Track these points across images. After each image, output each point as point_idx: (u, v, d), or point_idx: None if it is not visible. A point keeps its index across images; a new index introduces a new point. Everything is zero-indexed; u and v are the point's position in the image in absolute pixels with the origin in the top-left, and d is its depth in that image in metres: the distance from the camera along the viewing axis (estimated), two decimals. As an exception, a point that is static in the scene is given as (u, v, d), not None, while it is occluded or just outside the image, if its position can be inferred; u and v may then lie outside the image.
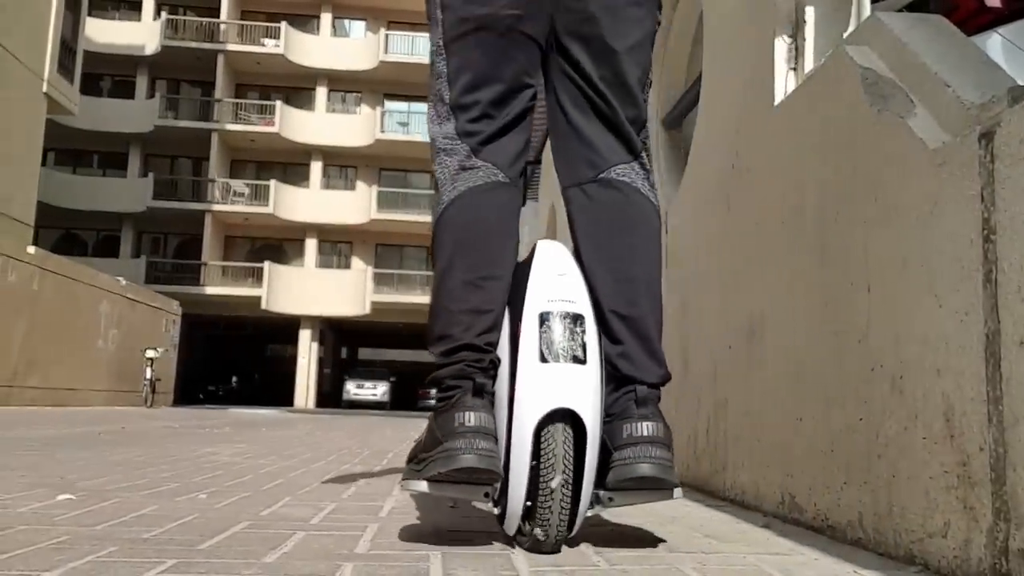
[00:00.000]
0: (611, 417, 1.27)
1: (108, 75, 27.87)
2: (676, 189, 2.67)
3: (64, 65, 15.29)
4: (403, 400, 28.41)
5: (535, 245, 1.36)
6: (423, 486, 1.22)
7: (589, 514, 1.26)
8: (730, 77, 2.14)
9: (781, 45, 1.82)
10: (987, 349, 1.02)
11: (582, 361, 1.23)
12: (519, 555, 1.20)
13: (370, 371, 28.45)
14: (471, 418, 1.20)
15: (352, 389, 26.61)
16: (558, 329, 1.24)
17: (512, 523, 1.25)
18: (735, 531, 1.48)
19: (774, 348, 1.71)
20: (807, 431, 1.53)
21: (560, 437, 1.19)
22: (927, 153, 1.17)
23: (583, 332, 1.24)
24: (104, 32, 26.30)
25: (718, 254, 2.11)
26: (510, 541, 1.27)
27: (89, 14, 18.85)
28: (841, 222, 1.44)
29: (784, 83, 1.80)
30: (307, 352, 27.71)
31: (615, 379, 1.29)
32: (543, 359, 1.22)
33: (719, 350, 2.05)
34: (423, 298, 27.05)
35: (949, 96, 1.17)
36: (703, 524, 1.56)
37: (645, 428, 1.24)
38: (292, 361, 28.49)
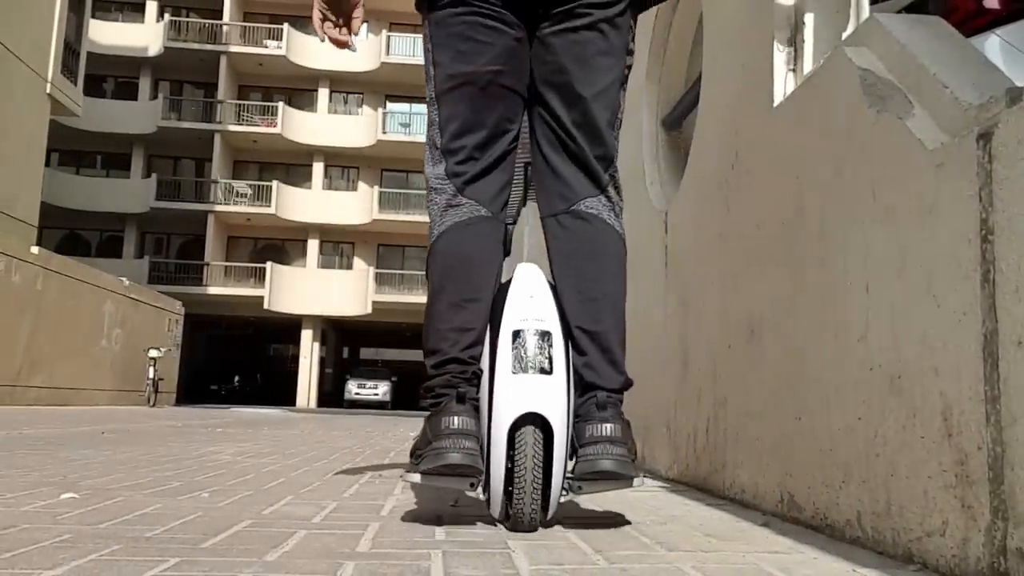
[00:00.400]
0: (578, 418, 1.45)
1: (111, 76, 27.93)
2: (676, 189, 2.68)
3: (68, 66, 15.33)
4: (404, 400, 28.41)
5: (516, 269, 1.56)
6: (417, 478, 1.44)
7: (563, 500, 1.47)
8: (730, 78, 2.14)
9: (780, 46, 1.82)
10: (985, 349, 1.02)
11: (548, 372, 1.42)
12: (519, 554, 1.21)
13: (372, 371, 28.47)
14: (455, 421, 1.40)
15: (354, 389, 26.63)
16: (530, 344, 1.44)
17: (495, 508, 1.46)
18: (734, 530, 1.49)
19: (774, 348, 1.72)
20: (806, 430, 1.53)
21: (530, 439, 1.39)
22: (925, 154, 1.18)
23: (550, 346, 1.44)
24: (107, 34, 26.36)
25: (718, 254, 2.11)
26: (494, 522, 1.47)
27: (92, 16, 18.88)
28: (840, 222, 1.44)
29: (783, 84, 1.80)
30: (309, 352, 27.74)
31: (581, 386, 1.47)
32: (515, 371, 1.42)
33: (719, 350, 2.05)
34: (424, 298, 26.91)
35: (947, 97, 1.17)
36: (702, 523, 1.56)
37: (605, 429, 1.42)
38: (294, 361, 28.53)
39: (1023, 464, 0.95)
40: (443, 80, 1.55)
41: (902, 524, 1.19)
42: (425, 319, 1.53)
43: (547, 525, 1.44)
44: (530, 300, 1.49)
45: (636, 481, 1.43)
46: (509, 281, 1.54)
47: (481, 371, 1.48)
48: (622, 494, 1.89)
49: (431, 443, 1.41)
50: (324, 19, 1.63)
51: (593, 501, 1.87)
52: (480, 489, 1.44)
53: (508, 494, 1.41)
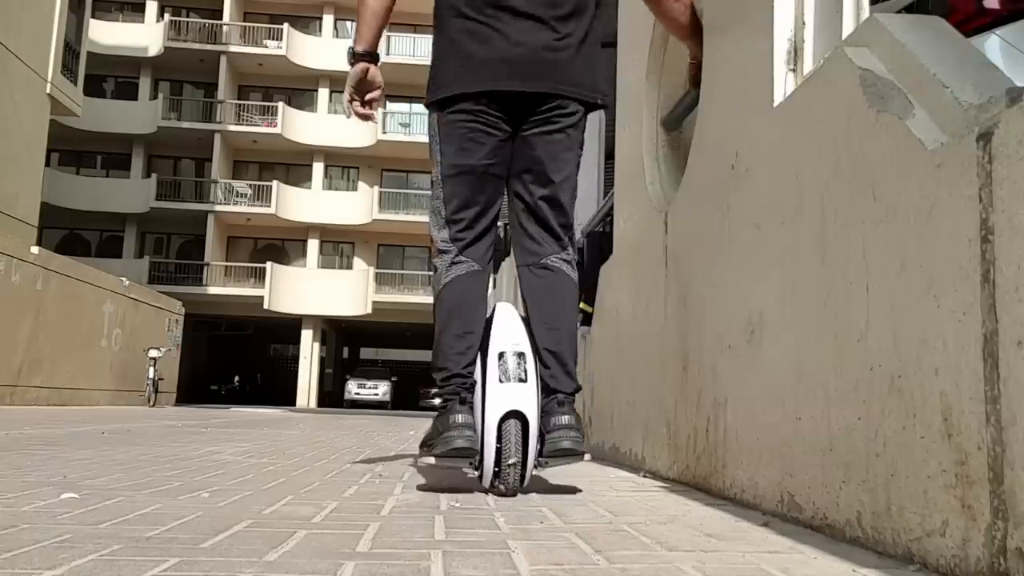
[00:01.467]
0: (544, 413, 1.98)
1: (111, 76, 27.94)
2: (676, 189, 2.68)
3: (68, 66, 15.33)
4: (404, 400, 28.41)
5: (496, 306, 2.09)
6: (432, 460, 1.96)
7: (535, 472, 2.02)
8: (730, 77, 2.14)
9: (780, 46, 1.82)
10: (985, 349, 1.02)
11: (524, 381, 1.97)
12: (519, 554, 1.21)
13: (372, 371, 28.49)
14: (459, 418, 1.93)
15: (354, 389, 26.64)
16: (511, 362, 1.98)
17: (486, 480, 1.95)
18: (734, 530, 1.49)
19: (774, 348, 1.72)
20: (806, 430, 1.53)
21: (513, 428, 1.92)
22: (925, 154, 1.18)
23: (525, 363, 1.98)
24: (107, 34, 26.36)
25: (718, 254, 2.11)
26: (485, 490, 1.96)
27: (92, 16, 18.88)
28: (840, 222, 1.44)
29: (783, 84, 1.80)
30: (309, 352, 27.74)
31: (546, 390, 2.00)
32: (501, 381, 1.96)
33: (719, 350, 2.05)
34: (424, 298, 27.05)
35: (947, 97, 1.17)
36: (702, 523, 1.56)
37: (563, 419, 1.96)
38: (294, 361, 28.54)
39: (1023, 464, 0.95)
40: (447, 168, 2.04)
41: (902, 524, 1.19)
42: (435, 345, 2.04)
43: (524, 492, 1.95)
44: (511, 330, 2.04)
45: (587, 456, 2.03)
46: (493, 313, 2.08)
47: (475, 381, 1.99)
48: (623, 495, 2.00)
49: (442, 434, 1.92)
50: (352, 99, 2.17)
51: (594, 502, 1.88)
52: (474, 468, 1.97)
53: (496, 470, 1.92)
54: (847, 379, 1.38)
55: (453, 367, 1.98)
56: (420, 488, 2.00)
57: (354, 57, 2.14)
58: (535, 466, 1.97)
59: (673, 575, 1.10)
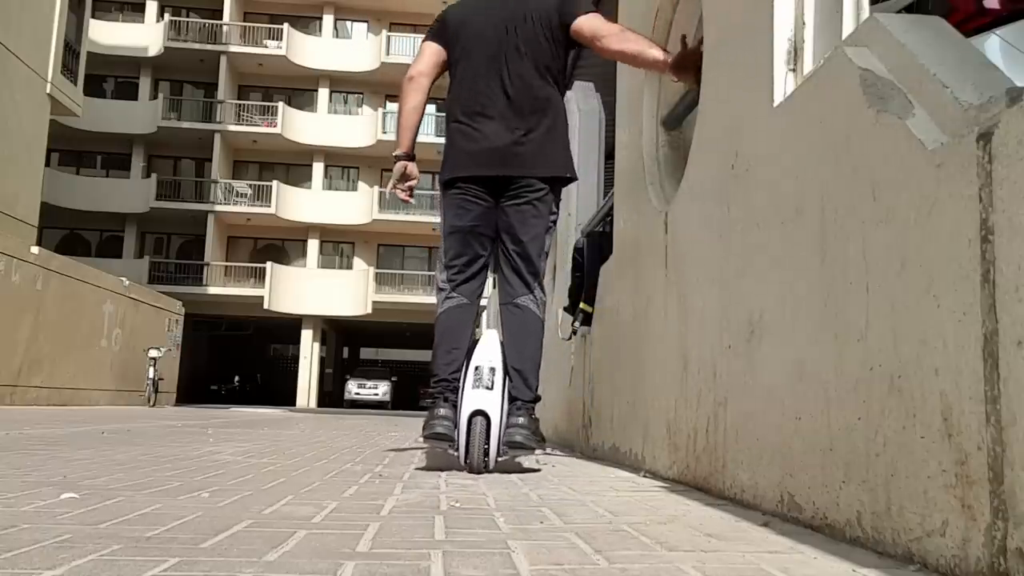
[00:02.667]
0: (508, 416, 2.57)
1: (111, 76, 27.93)
2: (676, 189, 2.68)
3: (68, 66, 15.33)
4: (404, 400, 28.41)
5: (484, 332, 2.78)
6: (422, 441, 2.65)
7: (500, 459, 2.55)
8: (730, 77, 2.14)
9: (780, 46, 1.82)
10: (985, 349, 1.02)
11: (491, 389, 2.57)
12: (519, 554, 1.21)
13: (372, 371, 28.50)
14: (441, 411, 2.58)
15: (354, 389, 26.65)
16: (484, 373, 2.58)
17: (462, 459, 2.52)
18: (734, 530, 1.49)
19: (774, 348, 1.72)
20: (806, 430, 1.53)
21: (478, 424, 2.50)
22: (925, 154, 1.18)
23: (494, 375, 2.58)
24: (107, 34, 26.36)
25: (718, 254, 2.11)
26: (461, 468, 2.51)
27: (92, 16, 18.88)
28: (840, 222, 1.44)
29: (783, 84, 1.80)
30: (309, 352, 27.73)
31: (510, 398, 2.60)
32: (474, 386, 2.57)
33: (719, 350, 2.05)
34: (424, 298, 27.04)
35: (947, 97, 1.17)
36: (702, 523, 1.56)
37: (518, 420, 2.55)
38: (294, 361, 28.53)
39: (1023, 464, 0.95)
40: (447, 227, 2.76)
41: (902, 524, 1.19)
42: (432, 356, 2.71)
43: (489, 471, 2.48)
44: (488, 350, 2.66)
45: (538, 450, 2.71)
46: (477, 339, 2.75)
47: (459, 386, 2.60)
48: (623, 495, 2.00)
49: (428, 422, 2.58)
50: (395, 187, 2.91)
51: (594, 502, 1.88)
52: (454, 450, 2.55)
53: (466, 453, 2.50)
54: (847, 379, 1.38)
55: (442, 373, 2.65)
56: (418, 469, 2.60)
57: (396, 158, 2.87)
58: (498, 454, 2.54)
59: (673, 575, 1.10)
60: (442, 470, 2.50)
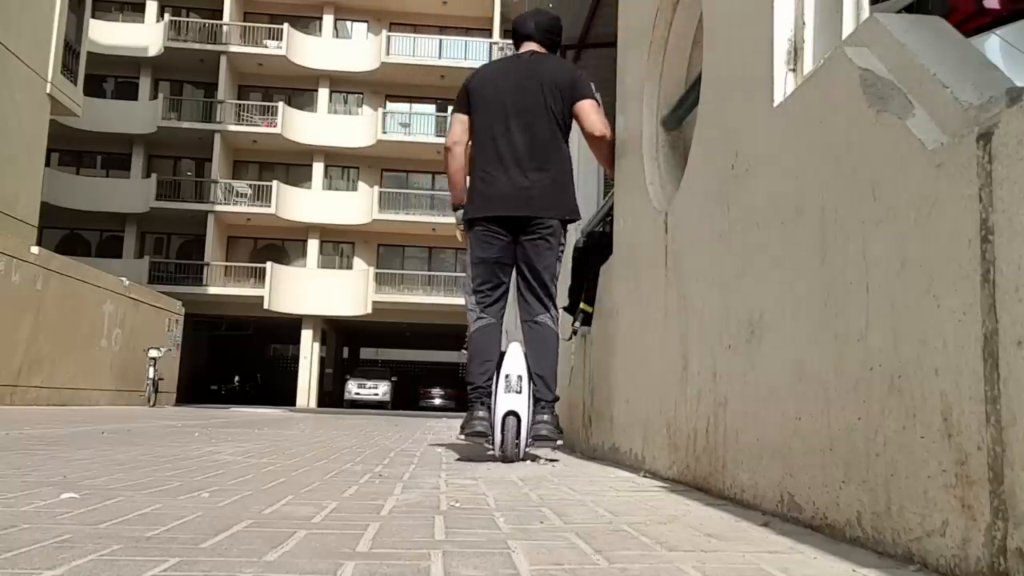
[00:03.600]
0: (534, 414, 3.07)
1: (111, 76, 27.92)
2: (676, 189, 2.68)
3: (68, 66, 15.33)
4: (404, 400, 28.40)
5: (509, 345, 3.20)
6: (463, 438, 3.13)
7: (528, 449, 3.06)
8: (730, 78, 2.14)
9: (780, 46, 1.82)
10: (985, 349, 1.02)
11: (519, 392, 3.06)
12: (519, 554, 1.21)
13: (372, 371, 28.48)
14: (479, 413, 3.07)
15: (354, 389, 26.64)
16: (513, 380, 3.08)
17: (497, 452, 3.01)
18: (734, 530, 1.49)
19: (774, 348, 1.72)
20: (806, 430, 1.53)
21: (511, 422, 3.01)
22: (925, 154, 1.18)
23: (521, 381, 3.08)
24: (107, 34, 26.35)
25: (718, 254, 2.11)
26: (493, 459, 3.01)
27: (92, 16, 18.88)
28: (840, 222, 1.44)
29: (783, 84, 1.80)
30: (309, 352, 27.73)
31: (534, 399, 3.09)
32: (506, 391, 3.07)
33: (719, 350, 2.05)
34: (424, 298, 27.05)
35: (947, 97, 1.17)
36: (702, 523, 1.56)
37: (543, 417, 3.06)
38: (294, 361, 28.52)
39: (1023, 464, 0.95)
40: (474, 258, 3.25)
41: (902, 524, 1.19)
42: (467, 367, 3.26)
43: (521, 459, 3.01)
44: (515, 360, 3.15)
45: (559, 441, 3.24)
46: (504, 351, 3.22)
47: (491, 391, 3.11)
48: (623, 495, 2.02)
49: (469, 422, 3.09)
50: (458, 228, 3.44)
51: (594, 502, 1.87)
52: (489, 443, 3.08)
53: (501, 445, 3.01)
54: (847, 379, 1.38)
55: (477, 381, 3.14)
56: (459, 460, 3.14)
57: (454, 207, 3.47)
58: (527, 445, 3.06)
59: (673, 575, 1.10)
60: (480, 461, 3.00)
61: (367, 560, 1.14)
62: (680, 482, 2.31)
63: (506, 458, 2.94)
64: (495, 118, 3.20)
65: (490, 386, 3.08)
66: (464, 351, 3.51)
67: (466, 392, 3.25)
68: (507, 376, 3.07)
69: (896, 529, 1.20)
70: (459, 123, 3.31)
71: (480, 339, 3.17)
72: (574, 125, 3.28)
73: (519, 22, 3.42)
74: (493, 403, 3.05)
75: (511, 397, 3.02)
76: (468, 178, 3.32)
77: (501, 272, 3.21)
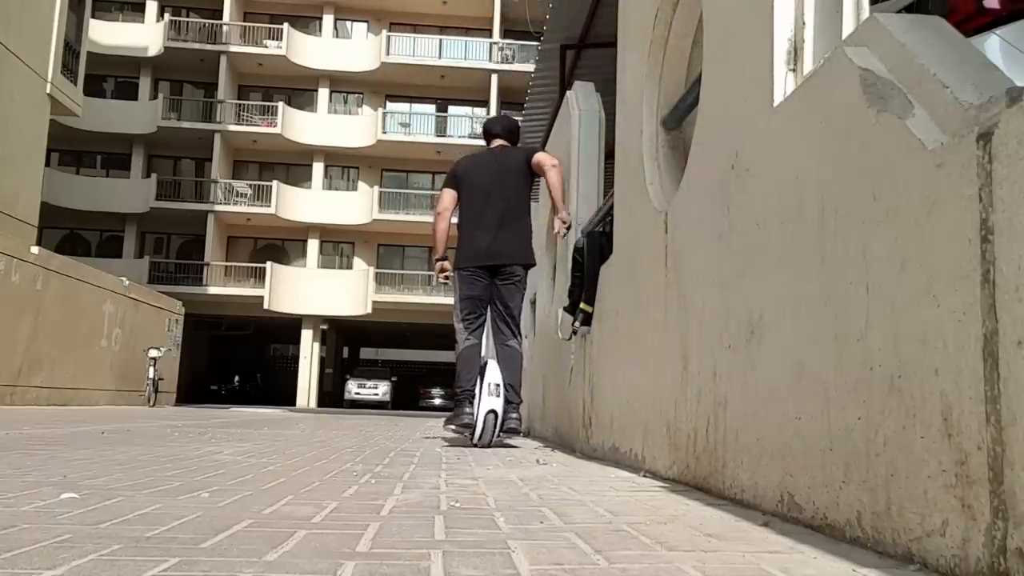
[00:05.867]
0: (505, 413, 4.19)
1: (111, 76, 27.91)
2: (676, 189, 2.68)
3: (68, 66, 15.32)
4: (404, 400, 28.39)
5: (488, 362, 4.31)
6: (451, 429, 4.27)
7: (498, 439, 4.19)
8: (730, 77, 2.14)
9: (780, 46, 1.82)
10: (985, 349, 1.02)
11: (497, 396, 4.18)
12: (519, 554, 1.21)
13: (372, 371, 28.47)
14: (466, 409, 4.20)
15: (354, 389, 26.63)
16: (492, 386, 4.19)
17: (476, 440, 4.12)
18: (734, 530, 1.49)
19: (774, 348, 1.72)
20: (806, 430, 1.53)
21: (491, 418, 4.15)
22: (925, 154, 1.18)
23: (499, 387, 4.20)
24: (107, 33, 26.34)
25: (718, 254, 2.11)
26: (473, 445, 4.08)
27: (92, 16, 18.87)
28: (840, 222, 1.44)
29: (783, 84, 1.80)
30: (309, 352, 27.72)
31: (506, 401, 4.20)
32: (487, 395, 4.17)
33: (719, 350, 2.05)
34: (424, 298, 27.02)
35: (947, 97, 1.17)
36: (702, 523, 1.56)
37: (512, 414, 4.23)
38: (294, 361, 28.51)
39: (1023, 464, 0.95)
40: (463, 295, 4.34)
41: (902, 524, 1.19)
42: (456, 375, 4.26)
43: (492, 446, 4.05)
44: (492, 372, 4.21)
45: (521, 434, 4.61)
46: (486, 364, 4.25)
47: (475, 393, 4.16)
48: (623, 495, 2.02)
49: (458, 416, 4.16)
50: (438, 274, 4.65)
51: (594, 502, 1.87)
52: (471, 433, 4.11)
53: (480, 436, 4.08)
54: (847, 379, 1.38)
55: (465, 386, 4.19)
56: (447, 446, 4.04)
57: (437, 259, 4.59)
58: (499, 436, 4.14)
59: (673, 575, 1.10)
60: (459, 447, 3.99)
61: (367, 560, 1.14)
62: (680, 482, 2.31)
63: (483, 444, 4.06)
64: (477, 196, 4.41)
65: (474, 389, 4.16)
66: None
67: None
68: (489, 384, 4.15)
69: (896, 529, 1.20)
70: (448, 196, 4.48)
71: (467, 354, 4.29)
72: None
73: (488, 126, 4.75)
74: (477, 402, 4.11)
75: (492, 399, 4.12)
76: (458, 235, 4.47)
77: (482, 306, 4.36)
